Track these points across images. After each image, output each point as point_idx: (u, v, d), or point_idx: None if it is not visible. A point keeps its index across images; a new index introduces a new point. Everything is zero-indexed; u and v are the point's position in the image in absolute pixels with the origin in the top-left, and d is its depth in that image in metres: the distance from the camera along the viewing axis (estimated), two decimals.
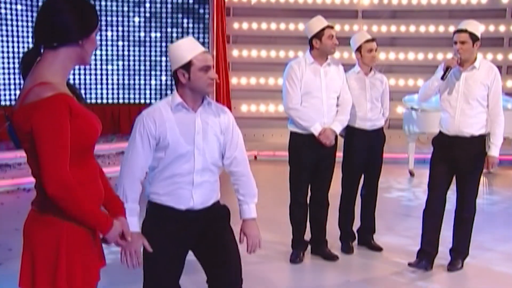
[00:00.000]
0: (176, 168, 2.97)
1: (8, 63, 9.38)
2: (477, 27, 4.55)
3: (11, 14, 9.36)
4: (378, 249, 5.21)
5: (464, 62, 4.53)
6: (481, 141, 4.58)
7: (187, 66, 2.95)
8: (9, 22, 9.32)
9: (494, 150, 4.54)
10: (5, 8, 9.32)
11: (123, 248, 2.59)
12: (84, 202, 2.14)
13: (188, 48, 3.01)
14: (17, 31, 9.42)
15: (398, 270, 4.75)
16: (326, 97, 4.66)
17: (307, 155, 4.70)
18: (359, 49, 5.10)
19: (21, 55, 2.31)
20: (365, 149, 5.08)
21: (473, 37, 4.47)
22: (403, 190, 7.74)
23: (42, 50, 2.18)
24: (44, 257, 2.15)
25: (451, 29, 11.09)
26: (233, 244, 3.11)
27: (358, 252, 5.19)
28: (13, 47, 9.41)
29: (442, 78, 4.54)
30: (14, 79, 9.38)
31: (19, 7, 9.42)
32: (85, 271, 2.22)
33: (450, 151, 4.58)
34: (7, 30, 9.34)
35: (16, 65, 9.01)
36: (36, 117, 2.05)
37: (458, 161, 4.55)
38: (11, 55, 9.41)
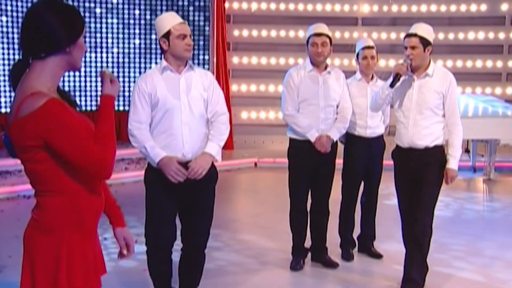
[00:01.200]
0: (167, 122, 3.52)
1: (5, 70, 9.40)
2: (429, 31, 4.30)
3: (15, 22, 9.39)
4: (378, 256, 5.20)
5: (416, 69, 4.25)
6: (437, 152, 4.28)
7: (167, 34, 3.51)
8: (15, 30, 9.34)
9: (453, 163, 4.25)
10: (6, 16, 9.35)
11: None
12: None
13: (168, 20, 3.53)
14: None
15: (398, 277, 4.74)
16: (324, 104, 4.66)
17: (306, 162, 4.70)
18: (358, 56, 5.11)
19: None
20: (365, 156, 5.08)
21: (424, 42, 4.20)
22: None
23: (30, 61, 2.16)
24: (44, 265, 2.15)
25: (451, 36, 11.21)
26: (210, 212, 3.79)
27: (358, 259, 5.19)
28: (14, 54, 9.43)
29: (391, 85, 4.25)
30: (10, 86, 9.37)
31: (4, 18, 9.43)
32: (85, 278, 2.22)
33: (408, 165, 4.32)
34: (11, 38, 9.37)
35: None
36: (42, 125, 2.04)
37: (415, 174, 4.27)
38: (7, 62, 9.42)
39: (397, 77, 4.20)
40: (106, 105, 2.28)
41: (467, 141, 9.82)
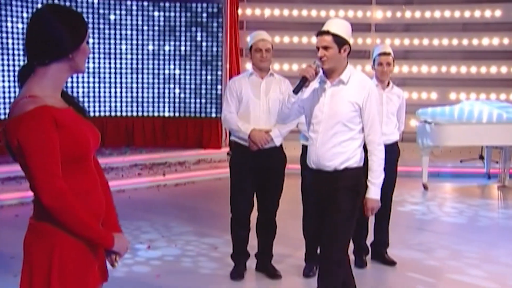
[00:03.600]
0: (249, 114, 4.53)
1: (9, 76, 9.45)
2: (345, 28, 3.54)
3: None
4: (392, 263, 5.17)
5: (330, 73, 3.54)
6: (348, 177, 3.55)
7: (250, 49, 4.60)
8: (21, 36, 9.43)
9: (373, 191, 3.60)
10: (22, 22, 9.45)
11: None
12: (80, 212, 2.11)
13: (253, 36, 4.62)
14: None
15: (412, 284, 4.71)
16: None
17: None
18: (374, 62, 5.09)
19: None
20: None
21: (339, 41, 3.47)
22: (416, 203, 7.69)
23: (34, 65, 2.18)
24: (39, 268, 2.14)
25: (465, 42, 11.16)
26: (279, 189, 4.68)
27: (372, 266, 5.16)
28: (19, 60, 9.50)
29: (294, 91, 3.52)
30: (15, 92, 9.45)
31: (20, 25, 9.52)
32: (79, 284, 2.18)
33: (316, 189, 3.67)
34: (16, 44, 9.46)
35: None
36: (20, 131, 2.05)
37: (324, 202, 3.62)
38: (11, 68, 9.49)
39: (303, 81, 3.47)
40: (100, 236, 2.20)
41: (482, 148, 9.75)
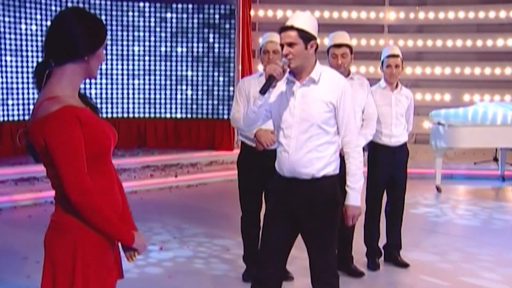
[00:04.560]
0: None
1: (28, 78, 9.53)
2: (310, 21, 3.24)
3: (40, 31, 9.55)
4: (405, 265, 5.14)
5: (298, 72, 3.21)
6: (328, 185, 3.23)
7: (260, 50, 4.58)
8: (34, 38, 9.50)
9: (353, 197, 3.27)
10: (36, 24, 9.52)
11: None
12: (105, 209, 2.20)
13: (263, 38, 4.58)
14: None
15: (425, 287, 4.68)
16: None
17: None
18: (382, 64, 5.07)
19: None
20: (389, 165, 5.04)
21: (305, 36, 3.17)
22: (430, 206, 7.64)
23: (52, 64, 2.24)
24: (63, 265, 2.20)
25: (479, 43, 11.08)
26: None
27: (384, 268, 5.13)
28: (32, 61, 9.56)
29: (261, 91, 3.18)
30: (28, 93, 9.51)
31: (34, 27, 9.58)
32: (100, 280, 2.24)
33: (288, 200, 3.26)
34: (40, 46, 9.52)
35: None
36: (46, 130, 2.12)
37: (298, 214, 3.23)
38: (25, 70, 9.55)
39: (270, 81, 3.14)
40: (122, 233, 2.29)
41: (496, 150, 9.68)
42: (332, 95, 3.19)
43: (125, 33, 10.46)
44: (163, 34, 10.61)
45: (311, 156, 3.17)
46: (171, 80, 10.72)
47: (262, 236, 3.38)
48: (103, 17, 10.11)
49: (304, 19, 3.21)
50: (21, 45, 9.35)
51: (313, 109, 3.17)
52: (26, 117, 9.44)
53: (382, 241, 5.24)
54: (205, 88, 10.68)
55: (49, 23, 9.32)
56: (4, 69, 9.14)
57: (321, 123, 3.17)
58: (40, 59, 9.33)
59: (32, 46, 9.49)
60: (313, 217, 3.21)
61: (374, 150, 5.07)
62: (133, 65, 10.59)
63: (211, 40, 10.59)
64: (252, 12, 11.12)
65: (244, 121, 3.42)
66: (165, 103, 10.73)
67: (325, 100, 3.18)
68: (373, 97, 4.84)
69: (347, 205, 3.28)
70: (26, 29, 9.38)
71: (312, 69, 3.23)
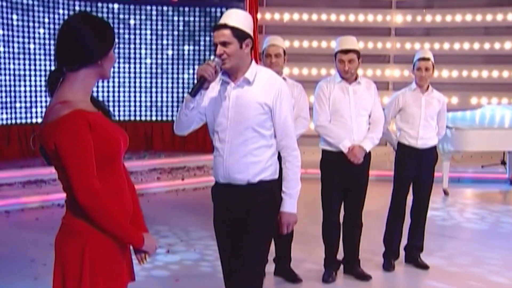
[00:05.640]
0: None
1: (40, 80, 9.59)
2: (244, 19, 3.03)
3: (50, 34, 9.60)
4: (425, 267, 5.13)
5: (233, 73, 3.03)
6: (265, 190, 3.06)
7: (263, 53, 4.72)
8: (52, 42, 9.55)
9: (288, 204, 3.10)
10: (44, 28, 9.56)
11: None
12: (114, 211, 2.21)
13: (266, 42, 4.65)
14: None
15: None
16: (355, 114, 4.64)
17: (339, 174, 4.67)
18: (414, 66, 5.12)
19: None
20: (414, 167, 5.04)
21: (240, 35, 2.96)
22: (437, 209, 7.60)
23: (64, 71, 2.27)
24: (72, 268, 2.21)
25: (487, 46, 11.04)
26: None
27: (395, 271, 5.07)
28: (51, 65, 9.62)
29: (191, 93, 2.96)
30: (36, 96, 9.56)
31: (41, 30, 9.63)
32: (108, 283, 2.25)
33: (225, 208, 3.14)
34: (48, 50, 9.57)
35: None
36: (57, 134, 2.15)
37: (236, 221, 3.07)
38: (33, 73, 9.61)
39: (200, 83, 2.93)
40: (131, 235, 2.31)
41: (504, 153, 9.63)
42: (268, 96, 3.00)
43: (132, 36, 10.50)
44: (170, 37, 10.64)
45: (246, 161, 3.00)
46: (177, 83, 10.74)
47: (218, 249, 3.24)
48: (110, 21, 10.14)
49: (238, 17, 3.01)
50: (29, 48, 9.40)
51: (248, 111, 2.99)
52: (34, 120, 9.50)
53: (402, 243, 5.23)
54: None
55: (57, 26, 9.44)
56: (12, 72, 9.19)
57: (256, 126, 3.00)
58: (47, 62, 9.42)
59: (40, 49, 9.54)
60: (246, 225, 3.01)
61: (401, 151, 5.12)
62: (140, 68, 10.62)
63: None
64: (259, 15, 11.13)
65: (176, 124, 3.16)
66: (172, 106, 10.75)
67: (260, 101, 2.99)
68: (402, 98, 4.99)
69: (282, 212, 3.10)
70: (34, 33, 9.44)
71: (247, 69, 3.03)
